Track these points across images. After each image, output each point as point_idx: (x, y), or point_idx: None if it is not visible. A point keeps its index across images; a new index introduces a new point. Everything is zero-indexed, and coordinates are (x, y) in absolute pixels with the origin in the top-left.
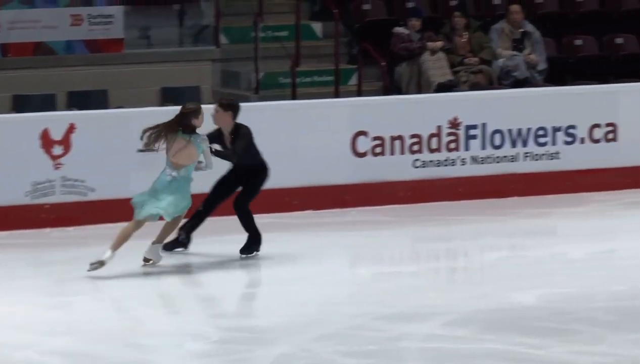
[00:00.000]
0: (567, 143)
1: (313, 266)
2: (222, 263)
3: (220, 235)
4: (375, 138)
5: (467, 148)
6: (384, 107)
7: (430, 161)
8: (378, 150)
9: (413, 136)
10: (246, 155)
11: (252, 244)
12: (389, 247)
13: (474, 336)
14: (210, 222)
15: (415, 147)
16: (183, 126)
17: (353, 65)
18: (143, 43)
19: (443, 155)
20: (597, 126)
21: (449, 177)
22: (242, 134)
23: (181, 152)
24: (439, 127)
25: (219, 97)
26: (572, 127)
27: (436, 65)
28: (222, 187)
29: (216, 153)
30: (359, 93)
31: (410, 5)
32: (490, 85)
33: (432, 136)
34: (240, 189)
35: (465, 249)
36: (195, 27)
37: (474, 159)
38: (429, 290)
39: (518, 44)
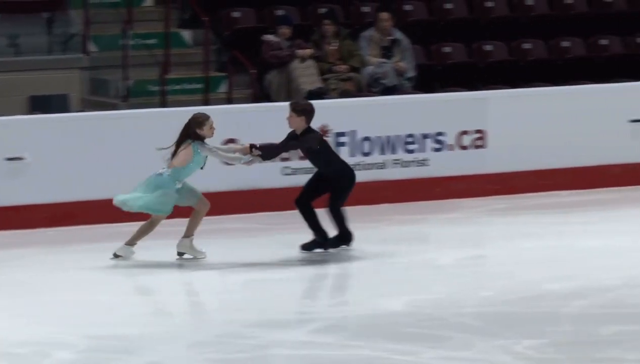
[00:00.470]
0: (436, 150)
1: (184, 273)
2: (91, 272)
3: (91, 243)
4: None
5: None
6: (254, 115)
7: (300, 169)
8: None
9: None
10: (323, 163)
11: (339, 240)
12: (260, 254)
13: (343, 343)
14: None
15: (285, 155)
16: (189, 134)
17: (223, 73)
18: (11, 51)
19: None
20: (465, 132)
21: None
22: (304, 138)
23: (178, 154)
24: None
25: (294, 101)
26: (441, 134)
27: (306, 72)
28: (317, 183)
29: (264, 152)
30: (229, 101)
31: (279, 13)
32: (359, 92)
33: None
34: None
35: (335, 256)
36: (64, 35)
37: None
38: (299, 297)
39: (387, 52)
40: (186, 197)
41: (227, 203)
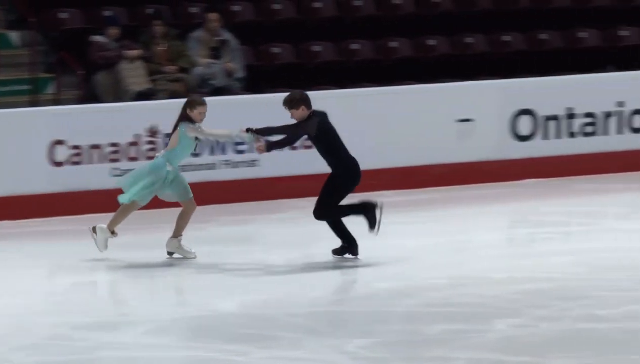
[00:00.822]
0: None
1: (11, 276)
2: None
3: None
4: (73, 147)
5: None
6: (82, 116)
7: (129, 170)
8: (76, 159)
9: (111, 145)
10: (322, 151)
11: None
12: (89, 256)
13: (175, 344)
14: None
15: (114, 156)
16: (182, 115)
17: (50, 74)
18: None
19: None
20: None
21: None
22: (304, 123)
23: (170, 138)
24: (137, 136)
25: (284, 99)
26: None
27: (134, 73)
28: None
29: (263, 132)
30: (57, 102)
31: (107, 14)
32: (188, 93)
33: (130, 144)
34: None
35: (166, 257)
36: None
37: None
38: (130, 299)
39: (216, 52)
40: (177, 193)
41: (56, 205)
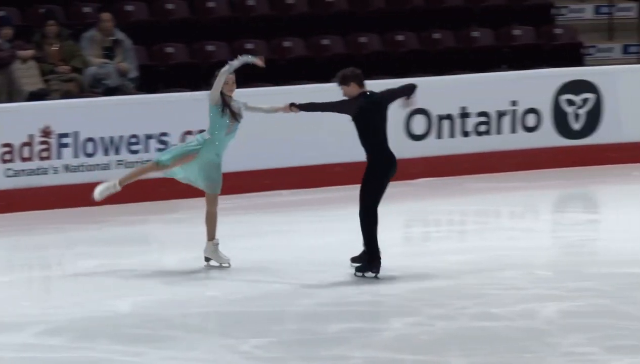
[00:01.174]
0: (160, 150)
1: None
2: None
3: None
4: None
5: (59, 157)
6: None
7: (23, 170)
8: None
9: (5, 145)
10: (359, 136)
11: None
12: None
13: (68, 345)
14: None
15: (7, 157)
16: None
17: None
18: None
19: (35, 164)
20: (189, 132)
21: (42, 186)
22: (346, 102)
23: None
24: (30, 136)
25: (336, 76)
26: (165, 134)
27: (27, 73)
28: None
29: (303, 105)
30: None
31: None
32: (82, 93)
33: (24, 144)
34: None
35: (60, 257)
36: None
37: (67, 168)
38: (23, 300)
39: (109, 52)
40: (208, 182)
41: None
